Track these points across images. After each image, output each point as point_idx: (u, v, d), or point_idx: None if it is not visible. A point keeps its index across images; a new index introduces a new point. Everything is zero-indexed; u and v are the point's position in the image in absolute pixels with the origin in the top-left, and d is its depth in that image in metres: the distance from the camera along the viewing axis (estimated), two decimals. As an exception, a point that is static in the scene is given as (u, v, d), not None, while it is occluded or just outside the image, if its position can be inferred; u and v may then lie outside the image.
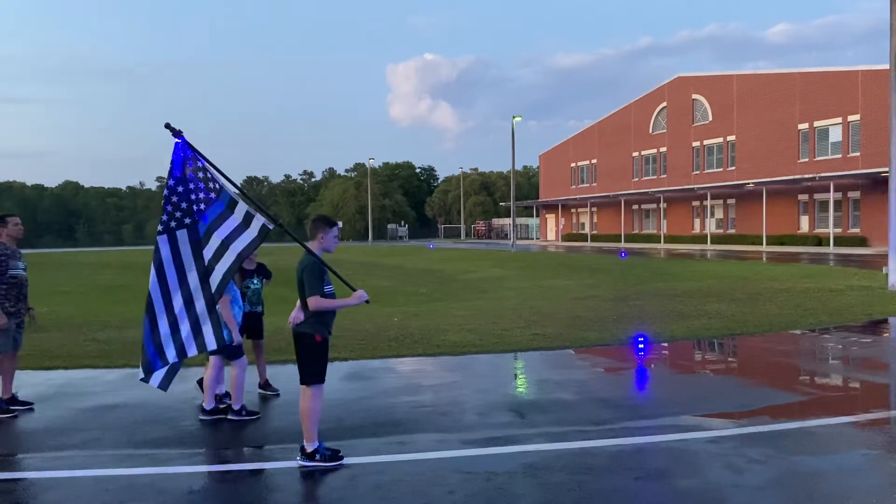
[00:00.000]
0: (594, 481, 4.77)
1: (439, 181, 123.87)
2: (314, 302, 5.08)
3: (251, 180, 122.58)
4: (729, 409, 6.64)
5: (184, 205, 4.89)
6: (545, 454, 5.35)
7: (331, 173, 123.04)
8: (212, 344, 4.91)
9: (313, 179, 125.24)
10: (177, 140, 4.89)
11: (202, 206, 4.92)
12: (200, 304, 4.87)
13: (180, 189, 4.89)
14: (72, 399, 7.47)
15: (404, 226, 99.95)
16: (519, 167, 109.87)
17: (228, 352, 6.64)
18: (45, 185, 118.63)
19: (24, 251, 7.28)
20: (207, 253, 4.92)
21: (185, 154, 4.91)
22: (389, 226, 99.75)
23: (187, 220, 4.88)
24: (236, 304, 6.80)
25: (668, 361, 9.38)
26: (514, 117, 50.17)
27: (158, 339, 4.84)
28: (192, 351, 4.89)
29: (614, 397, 7.18)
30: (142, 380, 4.93)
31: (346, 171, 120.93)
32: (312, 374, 5.22)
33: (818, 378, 8.18)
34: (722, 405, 6.78)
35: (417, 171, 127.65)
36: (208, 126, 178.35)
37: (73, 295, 23.05)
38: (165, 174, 4.98)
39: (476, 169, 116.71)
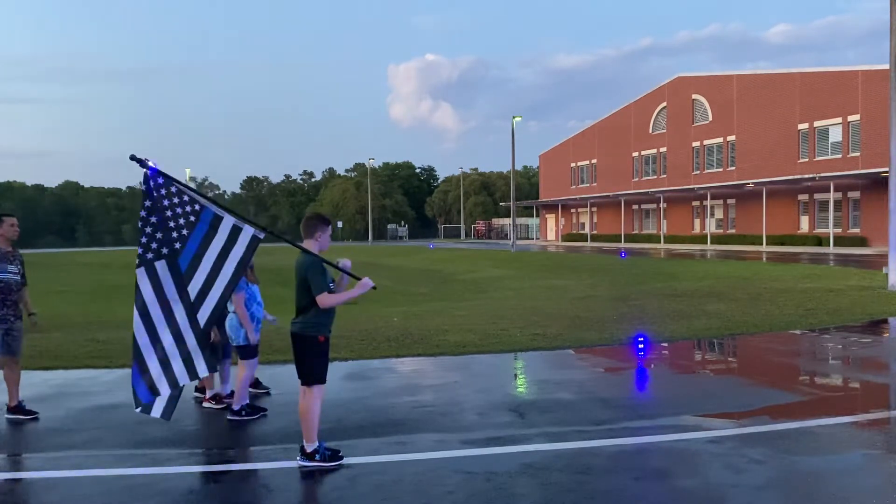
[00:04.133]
0: (594, 481, 4.77)
1: (439, 181, 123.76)
2: (323, 299, 5.05)
3: (251, 180, 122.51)
4: (729, 409, 6.64)
5: (159, 234, 4.70)
6: (545, 454, 5.35)
7: (331, 173, 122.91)
8: (203, 371, 4.80)
9: (313, 179, 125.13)
10: (145, 169, 4.71)
11: (185, 232, 4.75)
12: (192, 341, 4.73)
13: (153, 219, 4.71)
14: (72, 399, 7.47)
15: (404, 226, 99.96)
16: (519, 167, 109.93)
17: (242, 351, 6.64)
18: (45, 185, 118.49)
19: (23, 251, 7.15)
20: (200, 277, 4.75)
21: (155, 181, 4.73)
22: (389, 226, 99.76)
23: (165, 251, 4.70)
24: (254, 300, 6.76)
25: (668, 361, 9.38)
26: (514, 117, 50.17)
27: (150, 379, 4.68)
28: (185, 381, 4.77)
29: (614, 397, 7.18)
30: (140, 411, 4.76)
31: (346, 171, 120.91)
32: (314, 374, 5.21)
33: (818, 378, 8.18)
34: (722, 405, 6.78)
35: (417, 171, 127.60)
36: (208, 126, 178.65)
37: (73, 295, 23.06)
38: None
39: (476, 169, 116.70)
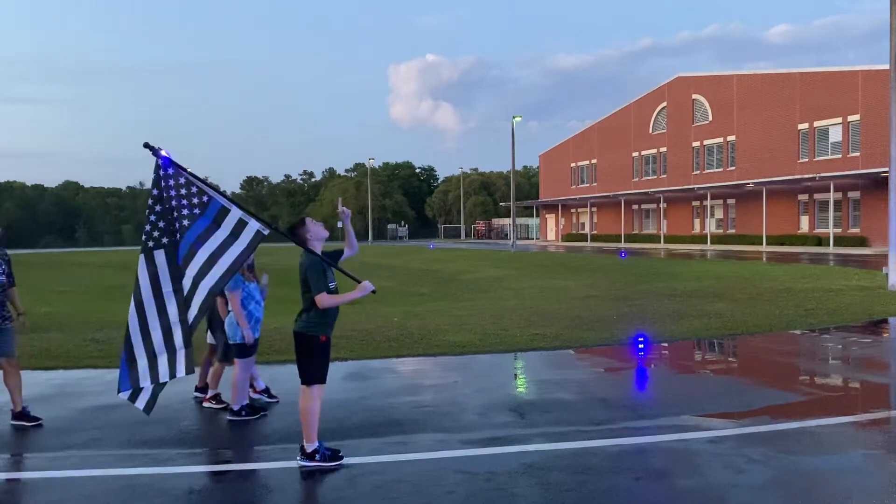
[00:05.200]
0: (594, 481, 4.77)
1: (439, 181, 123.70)
2: (321, 299, 5.06)
3: (251, 180, 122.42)
4: (729, 409, 6.64)
5: (162, 223, 4.72)
6: (545, 454, 5.36)
7: (331, 173, 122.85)
8: (182, 371, 4.77)
9: (313, 179, 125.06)
10: (156, 157, 4.72)
11: (185, 223, 4.75)
12: (179, 339, 4.73)
13: (158, 208, 4.73)
14: (72, 399, 7.47)
15: (404, 226, 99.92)
16: (519, 167, 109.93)
17: (238, 350, 6.63)
18: (45, 185, 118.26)
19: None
20: (192, 271, 4.74)
21: (164, 171, 4.75)
22: (389, 226, 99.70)
23: (165, 240, 4.72)
24: (252, 300, 6.74)
25: (668, 361, 9.38)
26: (514, 117, 50.20)
27: (136, 372, 4.70)
28: (166, 378, 4.77)
29: (614, 397, 7.18)
30: (127, 398, 4.78)
31: (346, 171, 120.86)
32: (314, 374, 5.22)
33: (818, 378, 8.18)
34: (722, 405, 6.78)
35: (417, 171, 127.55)
36: (208, 126, 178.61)
37: (73, 295, 23.04)
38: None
39: (476, 169, 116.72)
